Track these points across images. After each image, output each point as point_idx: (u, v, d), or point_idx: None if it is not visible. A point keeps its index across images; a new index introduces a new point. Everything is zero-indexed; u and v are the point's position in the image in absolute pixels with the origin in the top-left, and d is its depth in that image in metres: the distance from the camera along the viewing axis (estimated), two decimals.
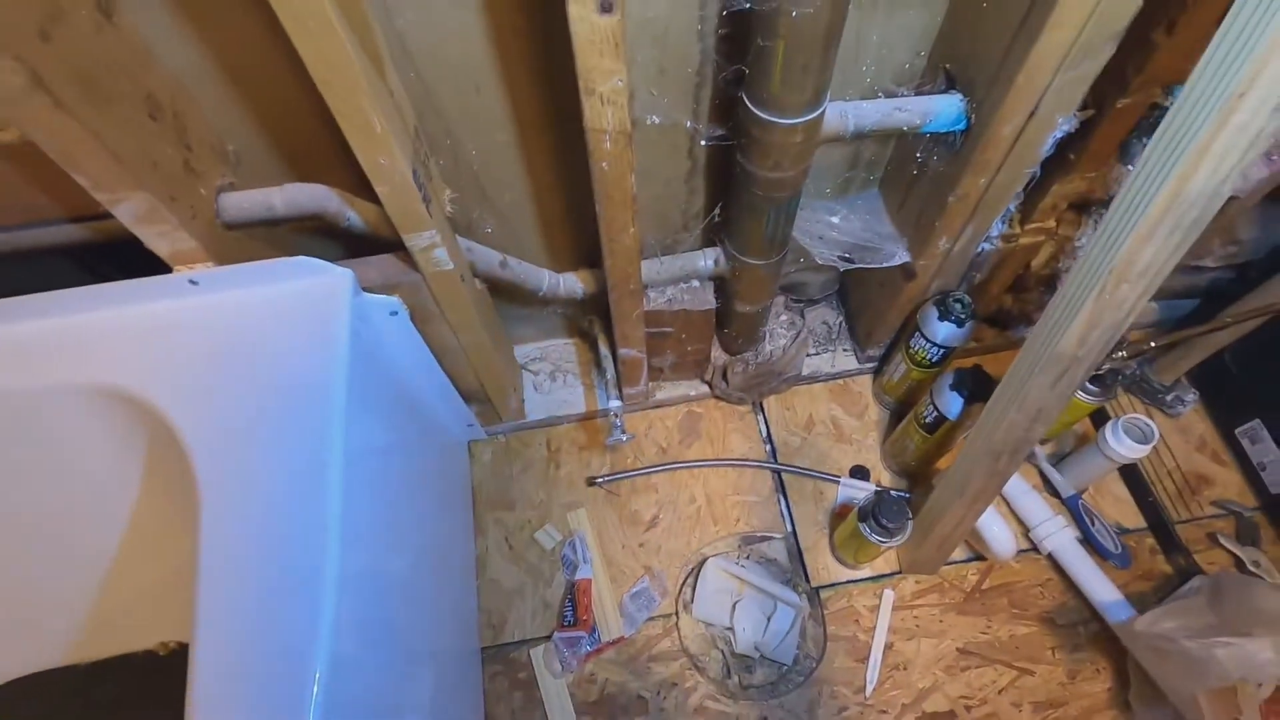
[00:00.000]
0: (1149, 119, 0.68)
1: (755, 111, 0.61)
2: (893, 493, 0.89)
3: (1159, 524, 0.98)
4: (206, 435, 0.57)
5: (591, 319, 0.98)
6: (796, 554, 0.98)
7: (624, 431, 0.90)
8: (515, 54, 0.60)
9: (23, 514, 0.69)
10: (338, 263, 0.65)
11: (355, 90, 0.48)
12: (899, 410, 1.05)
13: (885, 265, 0.86)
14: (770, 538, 0.99)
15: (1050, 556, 0.96)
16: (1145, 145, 0.49)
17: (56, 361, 0.60)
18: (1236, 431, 1.02)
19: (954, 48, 0.68)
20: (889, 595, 0.95)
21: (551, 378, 1.08)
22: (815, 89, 0.59)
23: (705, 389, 1.07)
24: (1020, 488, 0.98)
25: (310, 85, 0.47)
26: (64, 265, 0.68)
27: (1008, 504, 0.98)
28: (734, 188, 0.74)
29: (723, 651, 0.91)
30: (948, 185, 0.74)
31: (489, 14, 0.57)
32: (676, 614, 0.94)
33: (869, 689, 0.89)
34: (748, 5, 0.56)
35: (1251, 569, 0.94)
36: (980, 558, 0.97)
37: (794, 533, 0.99)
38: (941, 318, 0.87)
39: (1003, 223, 0.83)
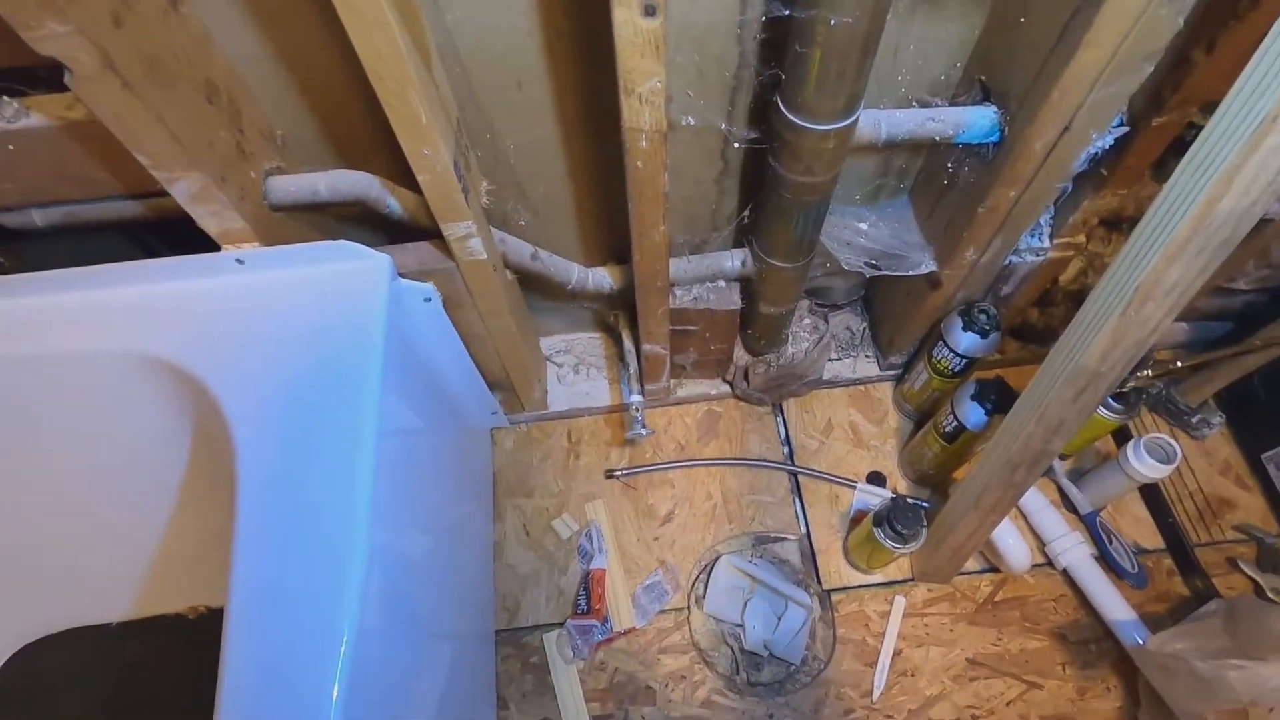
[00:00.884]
0: (1185, 138, 0.68)
1: (789, 116, 0.62)
2: (909, 500, 0.90)
3: (1178, 545, 0.98)
4: (246, 407, 0.59)
5: (617, 314, 0.99)
6: (809, 556, 0.98)
7: (644, 426, 0.92)
8: (557, 53, 0.62)
9: (77, 477, 0.73)
10: (376, 248, 0.67)
11: (404, 83, 0.50)
12: (919, 419, 1.05)
13: (911, 274, 0.87)
14: (784, 538, 1.00)
15: (1065, 572, 0.95)
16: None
17: (109, 331, 0.63)
18: (1263, 456, 1.01)
19: (990, 60, 0.68)
20: (900, 601, 0.95)
21: (575, 370, 1.09)
22: (849, 97, 0.60)
23: (726, 388, 1.08)
24: (1038, 502, 0.98)
25: (358, 75, 0.49)
26: (118, 240, 0.71)
27: (1024, 517, 0.98)
28: (764, 190, 0.75)
29: (732, 647, 0.92)
30: (977, 196, 0.74)
31: (533, 13, 0.59)
32: (688, 608, 0.95)
33: (876, 693, 0.90)
34: (787, 12, 0.57)
35: (1271, 596, 0.93)
36: (994, 569, 0.97)
37: (808, 535, 1.00)
38: (966, 328, 0.88)
39: (1032, 236, 0.83)
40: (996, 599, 0.96)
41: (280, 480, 0.57)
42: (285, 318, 0.64)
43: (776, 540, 1.00)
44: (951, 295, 0.89)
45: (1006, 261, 0.85)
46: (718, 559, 0.97)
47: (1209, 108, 0.64)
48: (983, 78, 0.70)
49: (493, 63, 0.62)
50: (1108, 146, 0.68)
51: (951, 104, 0.72)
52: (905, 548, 0.85)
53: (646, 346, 0.92)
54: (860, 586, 0.97)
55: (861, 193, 0.89)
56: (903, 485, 1.04)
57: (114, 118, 0.51)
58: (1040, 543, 0.97)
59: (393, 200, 0.68)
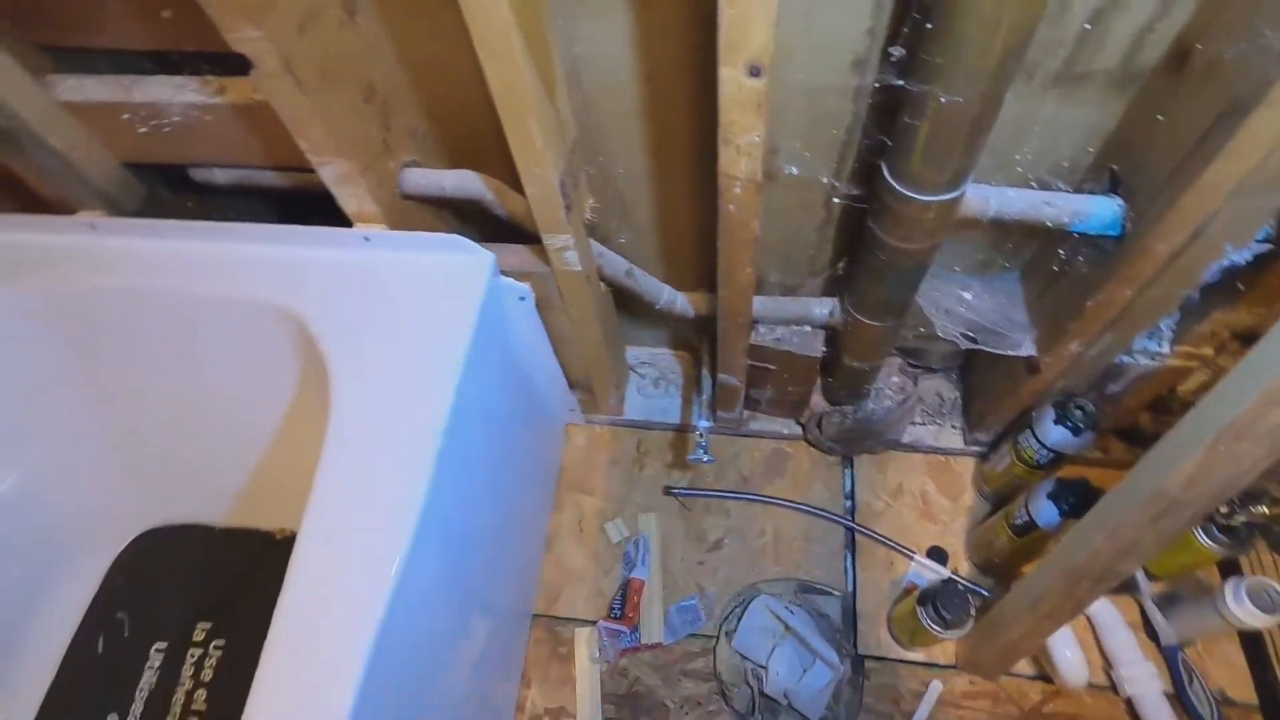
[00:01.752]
0: None
1: (891, 182, 0.62)
2: (964, 584, 0.86)
3: (1272, 706, 0.87)
4: (347, 366, 0.67)
5: (701, 338, 1.02)
6: (851, 616, 0.96)
7: (707, 453, 0.94)
8: (670, 91, 0.65)
9: (209, 394, 0.85)
10: (483, 244, 0.73)
11: (524, 110, 0.55)
12: (996, 502, 1.00)
13: (1009, 354, 0.84)
14: (828, 592, 0.99)
15: (1129, 702, 0.88)
16: None
17: (255, 281, 0.74)
18: None
19: (1124, 151, 0.65)
20: (937, 686, 0.92)
21: (655, 384, 1.13)
22: (955, 172, 0.59)
23: (799, 430, 1.08)
24: (1113, 619, 0.91)
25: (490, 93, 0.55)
26: (274, 203, 0.82)
27: (1095, 632, 0.92)
28: (861, 247, 0.74)
29: (752, 687, 0.92)
30: (1089, 289, 0.70)
31: (650, 57, 0.62)
32: (717, 638, 0.96)
33: None
34: (900, 83, 0.58)
35: None
36: (1046, 678, 0.91)
37: (854, 594, 0.98)
38: (1058, 421, 0.83)
39: (1149, 339, 0.78)
40: (1045, 710, 0.90)
41: (363, 432, 0.64)
42: (395, 294, 0.72)
43: (820, 593, 0.99)
44: (1050, 383, 0.85)
45: (1118, 360, 0.80)
46: (756, 597, 0.97)
47: None
48: (1115, 167, 0.66)
49: (612, 94, 0.67)
50: (1246, 261, 0.63)
51: (1076, 189, 0.69)
52: (946, 633, 0.82)
53: (722, 376, 0.93)
54: (898, 661, 0.94)
55: (969, 263, 0.86)
56: (965, 568, 0.99)
57: (284, 109, 0.59)
58: (1107, 663, 0.90)
59: (502, 206, 0.74)
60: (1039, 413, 0.85)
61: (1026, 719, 0.90)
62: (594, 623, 0.97)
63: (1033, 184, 0.69)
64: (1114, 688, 0.89)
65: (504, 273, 0.76)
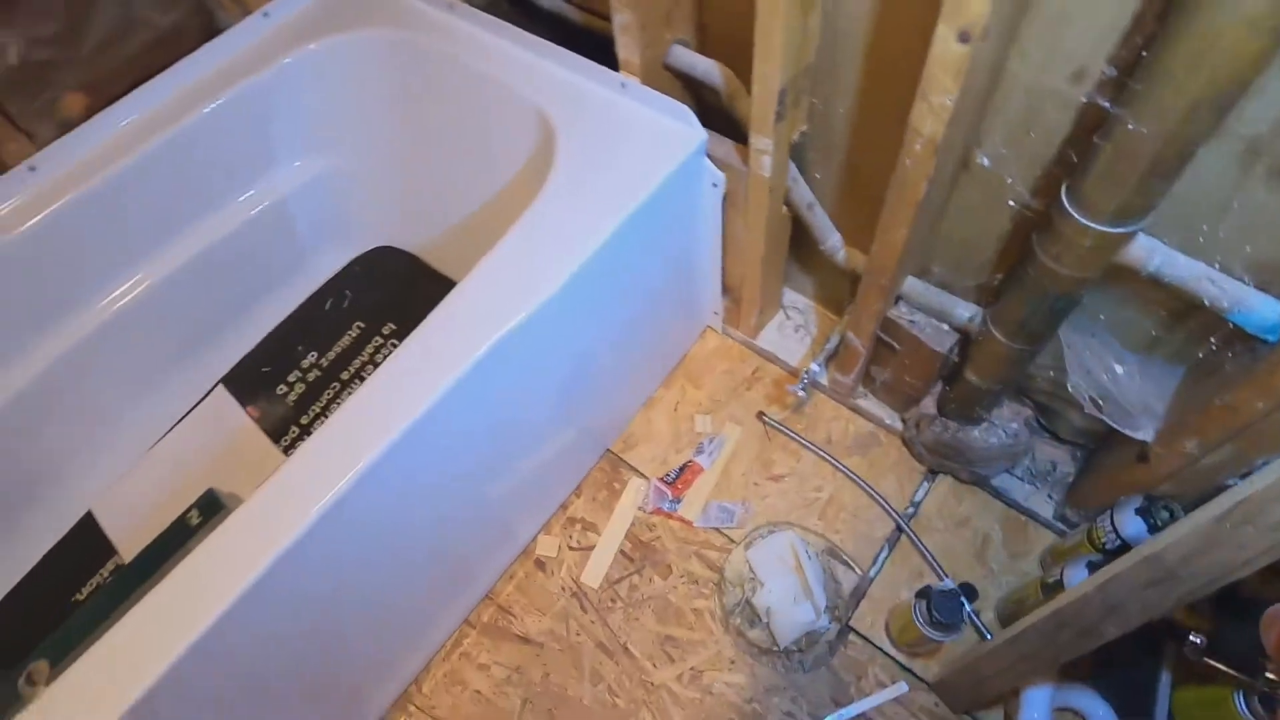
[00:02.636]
0: None
1: (1063, 197, 0.67)
2: (970, 610, 0.89)
3: None
4: (564, 171, 0.86)
5: (849, 300, 1.09)
6: (858, 594, 1.03)
7: (804, 390, 1.03)
8: (902, 51, 0.73)
9: (467, 155, 1.10)
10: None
11: (776, 14, 0.68)
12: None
13: (1126, 432, 0.83)
14: (851, 567, 1.05)
15: None
16: None
17: (532, 82, 0.95)
18: None
19: None
20: (903, 687, 0.96)
21: (795, 329, 1.22)
22: (1121, 205, 0.63)
23: (900, 425, 1.13)
24: None
25: None
26: (563, 36, 1.02)
27: None
28: (1019, 262, 0.78)
29: (744, 593, 1.03)
30: (1221, 387, 0.69)
31: (895, 11, 0.71)
32: (737, 544, 1.07)
33: None
34: (1104, 103, 0.62)
35: None
36: None
37: (871, 580, 1.04)
38: (1140, 512, 0.82)
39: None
40: None
41: (542, 228, 0.82)
42: (623, 133, 0.88)
43: (843, 563, 1.06)
44: (1157, 478, 0.83)
45: (1229, 481, 0.77)
46: (787, 530, 1.06)
47: None
48: None
49: (855, 38, 0.76)
50: None
51: (1258, 288, 0.68)
52: (931, 633, 0.86)
53: (849, 335, 1.01)
54: (879, 649, 0.99)
55: (1135, 340, 0.85)
56: (988, 618, 1.00)
57: None
58: None
59: (733, 101, 0.87)
60: (1125, 499, 0.84)
61: None
62: (649, 479, 1.13)
63: (1216, 265, 0.69)
64: None
65: (710, 157, 0.90)
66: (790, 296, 1.25)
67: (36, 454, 1.09)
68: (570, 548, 1.10)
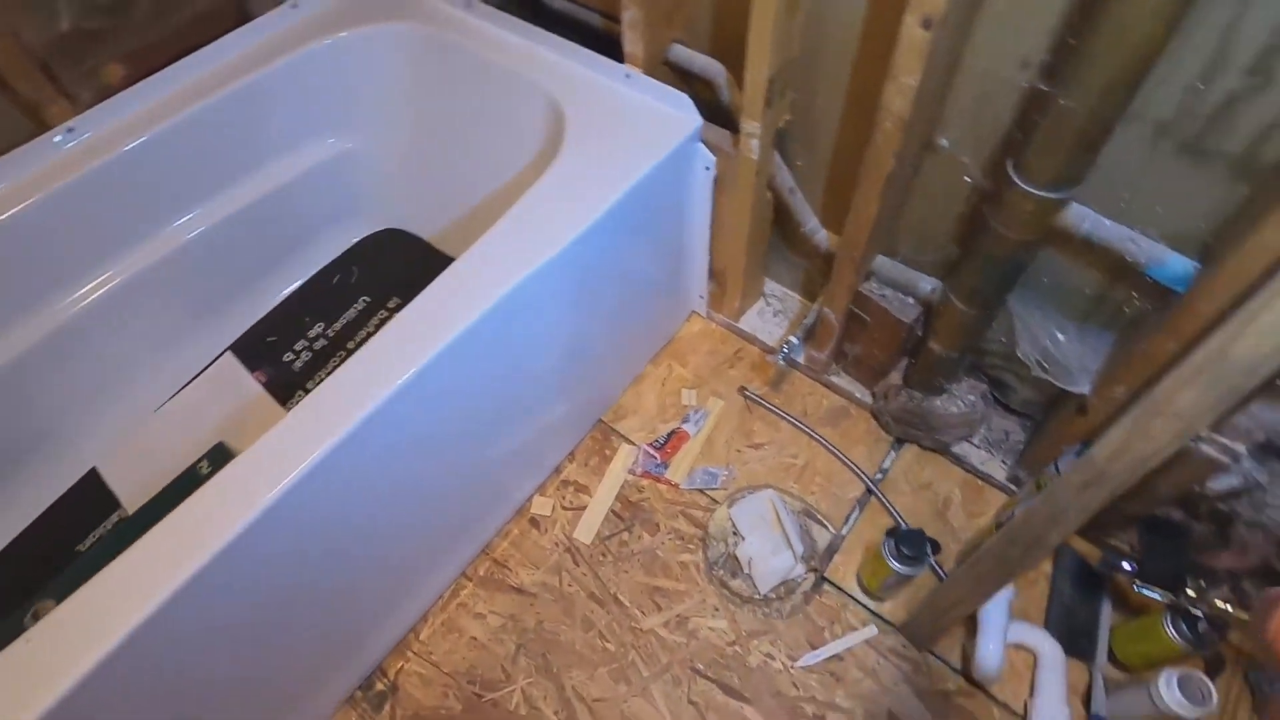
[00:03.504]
0: None
1: (1007, 168, 0.79)
2: (931, 542, 0.98)
3: None
4: (568, 155, 0.95)
5: (824, 284, 1.20)
6: (831, 550, 1.11)
7: (784, 360, 1.13)
8: (881, 49, 0.85)
9: (477, 141, 1.19)
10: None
11: (768, 15, 0.79)
12: None
13: (1068, 389, 0.95)
14: (825, 525, 1.14)
15: None
16: None
17: (543, 73, 1.05)
18: None
19: (1223, 231, 0.75)
20: (872, 630, 1.04)
21: (774, 315, 1.33)
22: (1057, 175, 0.75)
23: (869, 400, 1.23)
24: (1057, 663, 0.98)
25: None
26: (573, 35, 1.13)
27: (1035, 663, 0.99)
28: (972, 233, 0.90)
29: (727, 546, 1.11)
30: (1142, 339, 0.81)
31: (877, 13, 0.83)
32: (720, 504, 1.15)
33: (802, 663, 1.02)
34: (1045, 88, 0.74)
35: None
36: (968, 675, 1.00)
37: (843, 537, 1.13)
38: (1079, 454, 0.93)
39: None
40: (952, 699, 1.00)
41: (540, 209, 0.91)
42: (625, 120, 0.99)
43: (818, 522, 1.14)
44: (1095, 427, 0.94)
45: None
46: (766, 490, 1.15)
47: None
48: (1210, 241, 0.77)
49: (837, 37, 0.88)
50: None
51: (1170, 246, 0.80)
52: (898, 566, 0.95)
53: (824, 309, 1.12)
54: (851, 597, 1.08)
55: (1074, 309, 0.97)
56: (949, 565, 1.10)
57: None
58: (1030, 694, 0.97)
59: (727, 93, 0.99)
60: (1068, 448, 0.95)
61: (931, 696, 1.00)
62: (638, 445, 1.21)
63: (1136, 229, 0.81)
64: (1025, 717, 0.97)
65: (703, 141, 1.01)
66: (771, 286, 1.36)
67: (45, 409, 1.12)
68: (564, 508, 1.16)
